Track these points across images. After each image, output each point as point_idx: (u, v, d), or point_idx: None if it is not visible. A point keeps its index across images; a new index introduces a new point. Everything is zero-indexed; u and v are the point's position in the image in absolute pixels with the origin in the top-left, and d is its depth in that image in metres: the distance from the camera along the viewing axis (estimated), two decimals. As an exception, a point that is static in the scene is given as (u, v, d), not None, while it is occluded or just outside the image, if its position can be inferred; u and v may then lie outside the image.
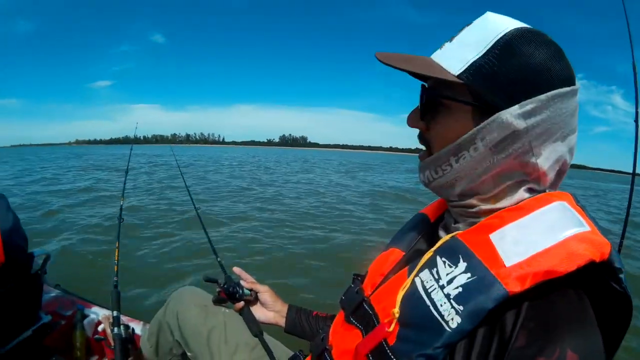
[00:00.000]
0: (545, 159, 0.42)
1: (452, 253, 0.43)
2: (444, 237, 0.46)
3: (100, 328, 1.34)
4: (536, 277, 0.35)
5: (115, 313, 1.01)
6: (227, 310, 0.93)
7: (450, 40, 0.45)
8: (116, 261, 1.17)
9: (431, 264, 0.44)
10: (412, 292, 0.43)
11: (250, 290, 0.89)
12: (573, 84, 0.41)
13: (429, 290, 0.42)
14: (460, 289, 0.39)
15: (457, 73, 0.42)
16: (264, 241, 3.91)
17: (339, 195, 8.01)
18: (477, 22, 0.44)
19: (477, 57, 0.41)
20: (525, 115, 0.39)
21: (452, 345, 0.38)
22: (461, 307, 0.38)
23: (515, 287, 0.35)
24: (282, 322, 0.85)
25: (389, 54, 0.46)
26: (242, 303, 0.88)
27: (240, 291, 0.87)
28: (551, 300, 0.35)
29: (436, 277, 0.42)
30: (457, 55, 0.43)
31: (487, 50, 0.41)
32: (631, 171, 1.33)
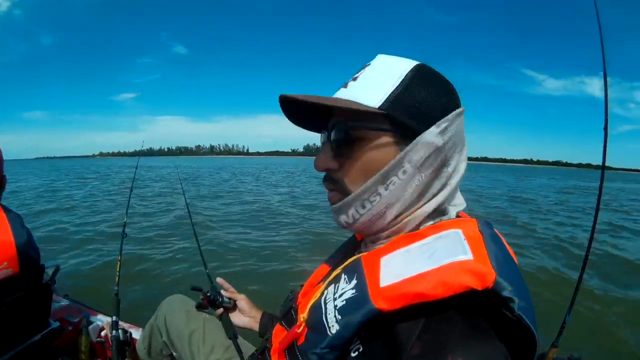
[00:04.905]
0: (452, 167, 0.48)
1: (352, 271, 0.49)
2: (352, 258, 0.54)
3: (103, 333, 1.50)
4: (405, 298, 0.38)
5: (114, 318, 1.15)
6: (207, 316, 1.06)
7: (354, 79, 0.49)
8: (118, 272, 1.31)
9: (336, 280, 0.53)
10: (318, 301, 0.53)
11: (230, 298, 1.01)
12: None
13: (327, 301, 0.48)
14: (344, 302, 0.45)
15: (378, 105, 0.45)
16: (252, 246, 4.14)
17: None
18: (379, 62, 0.49)
19: (393, 89, 0.45)
20: (442, 133, 0.48)
21: (336, 348, 0.44)
22: (340, 317, 0.44)
23: (384, 306, 0.39)
24: (256, 327, 0.96)
25: (301, 95, 0.46)
26: (221, 310, 1.00)
27: (220, 299, 1.00)
28: (447, 319, 0.37)
29: (335, 290, 0.49)
30: (372, 90, 0.46)
31: (400, 83, 0.46)
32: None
